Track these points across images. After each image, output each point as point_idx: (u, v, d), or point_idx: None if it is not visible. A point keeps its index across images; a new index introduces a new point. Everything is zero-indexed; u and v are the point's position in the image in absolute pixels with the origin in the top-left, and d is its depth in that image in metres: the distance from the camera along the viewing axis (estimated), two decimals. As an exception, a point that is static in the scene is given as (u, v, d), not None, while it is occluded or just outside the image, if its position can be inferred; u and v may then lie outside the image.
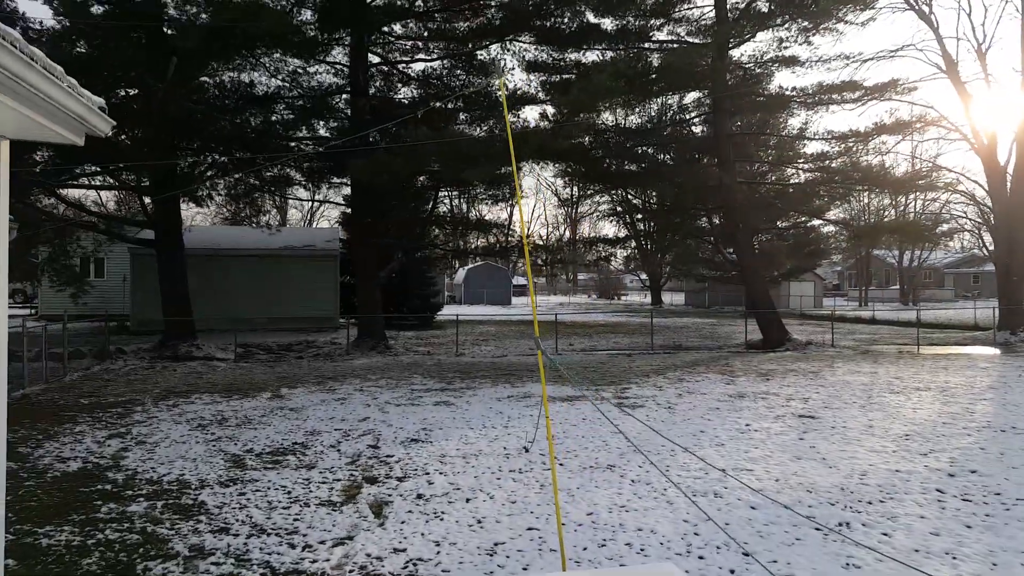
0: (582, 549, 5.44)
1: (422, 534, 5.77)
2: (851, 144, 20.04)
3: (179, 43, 17.25)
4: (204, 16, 18.05)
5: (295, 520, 6.15)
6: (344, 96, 22.86)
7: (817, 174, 21.66)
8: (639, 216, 36.34)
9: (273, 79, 21.78)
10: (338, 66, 22.64)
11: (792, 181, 22.62)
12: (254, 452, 8.64)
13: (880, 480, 7.25)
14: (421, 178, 22.06)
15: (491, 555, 5.34)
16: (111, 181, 22.23)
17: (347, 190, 25.84)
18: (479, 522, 6.05)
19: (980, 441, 9.00)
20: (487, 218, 27.26)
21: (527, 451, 8.59)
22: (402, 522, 6.08)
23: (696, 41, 20.69)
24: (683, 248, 34.21)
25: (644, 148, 22.32)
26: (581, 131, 18.20)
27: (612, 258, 28.18)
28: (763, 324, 22.45)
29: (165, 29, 18.49)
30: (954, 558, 5.19)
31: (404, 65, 23.54)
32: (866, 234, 25.22)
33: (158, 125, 17.30)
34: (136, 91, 19.35)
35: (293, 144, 22.40)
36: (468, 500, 6.66)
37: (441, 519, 6.13)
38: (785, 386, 13.76)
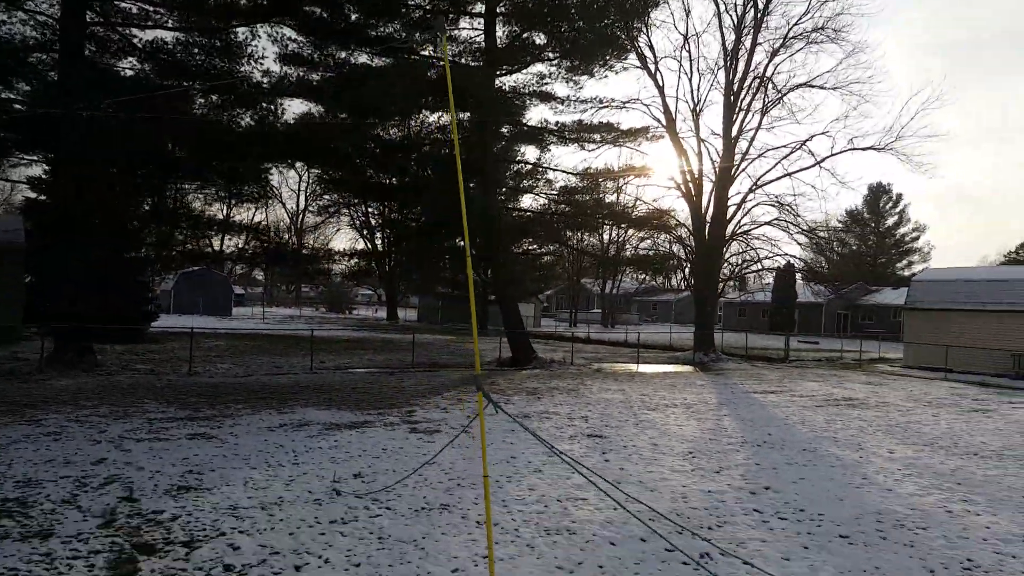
0: (470, 619, 4.56)
1: (259, 624, 4.39)
2: (601, 181, 21.78)
3: None
4: None
5: (53, 624, 4.31)
6: (46, 55, 18.57)
7: (567, 207, 23.08)
8: (386, 231, 35.48)
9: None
10: (42, 17, 18.33)
11: (546, 210, 23.82)
12: (-55, 520, 6.12)
13: (702, 502, 7.46)
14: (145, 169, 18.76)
15: (368, 644, 4.20)
16: None
17: (37, 170, 21.11)
18: (328, 597, 4.82)
19: (751, 457, 9.89)
20: (232, 219, 24.16)
21: (339, 494, 7.33)
22: (222, 609, 4.59)
23: (467, 62, 20.75)
24: (432, 267, 34.14)
25: (410, 163, 21.71)
26: (355, 138, 16.96)
27: (368, 273, 26.89)
28: (514, 343, 23.11)
29: None
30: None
31: (128, 31, 19.91)
32: (612, 263, 27.52)
33: None
34: None
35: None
36: (298, 569, 5.33)
37: (276, 598, 4.77)
38: (559, 404, 14.05)
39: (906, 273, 76.33)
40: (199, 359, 20.24)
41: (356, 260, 23.14)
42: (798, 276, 54.34)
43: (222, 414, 11.83)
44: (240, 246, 22.22)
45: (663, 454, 9.82)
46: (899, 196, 78.91)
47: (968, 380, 22.54)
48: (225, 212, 37.28)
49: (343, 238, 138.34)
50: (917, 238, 79.63)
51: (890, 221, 79.54)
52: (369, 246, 53.20)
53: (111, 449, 8.97)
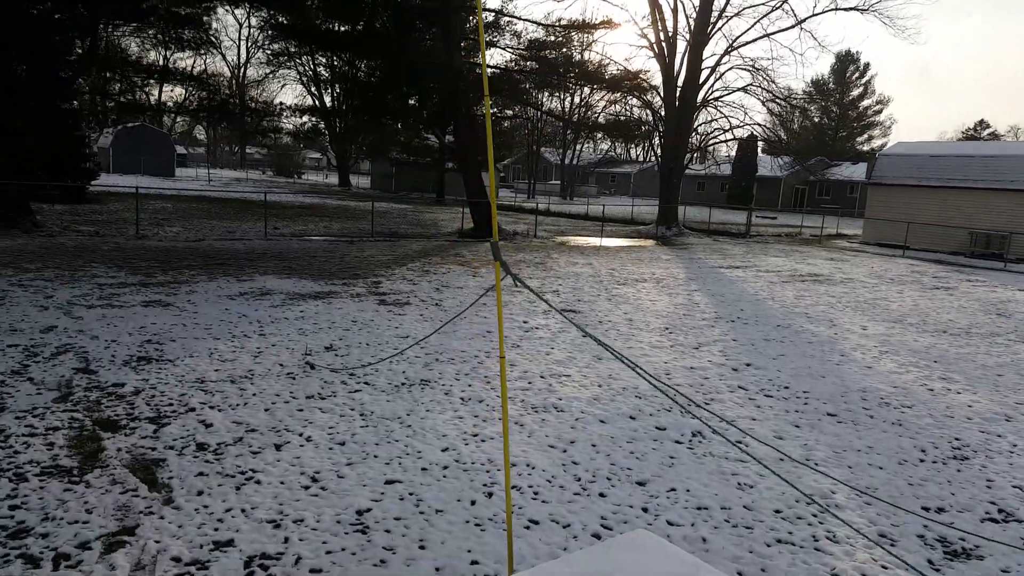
0: (469, 503, 4.34)
1: (242, 511, 4.07)
2: (574, 33, 20.31)
3: None
4: None
5: (10, 509, 3.91)
6: None
7: (535, 64, 21.69)
8: (338, 87, 33.30)
9: None
10: None
11: (512, 68, 22.33)
12: None
13: (686, 379, 7.35)
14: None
15: (365, 533, 3.94)
16: None
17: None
18: (315, 481, 4.51)
19: (727, 333, 9.83)
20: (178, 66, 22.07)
21: (312, 367, 6.95)
22: (200, 493, 4.24)
23: None
24: (384, 129, 32.48)
25: (364, 8, 19.73)
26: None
27: (318, 133, 25.43)
28: (476, 214, 22.47)
29: None
30: (816, 464, 5.30)
31: None
32: (583, 128, 26.43)
33: None
34: None
35: None
36: (279, 447, 4.99)
37: (257, 483, 4.44)
38: (530, 278, 13.76)
39: (865, 148, 76.81)
40: (146, 222, 19.14)
41: (307, 117, 21.56)
42: (760, 149, 54.19)
43: (176, 280, 11.17)
44: (182, 98, 20.40)
45: (640, 330, 9.68)
46: (866, 66, 77.61)
47: (925, 258, 23.07)
48: (162, 61, 34.28)
49: (289, 94, 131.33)
50: (880, 111, 79.32)
51: (855, 92, 78.76)
52: (318, 104, 50.26)
53: (60, 316, 8.34)
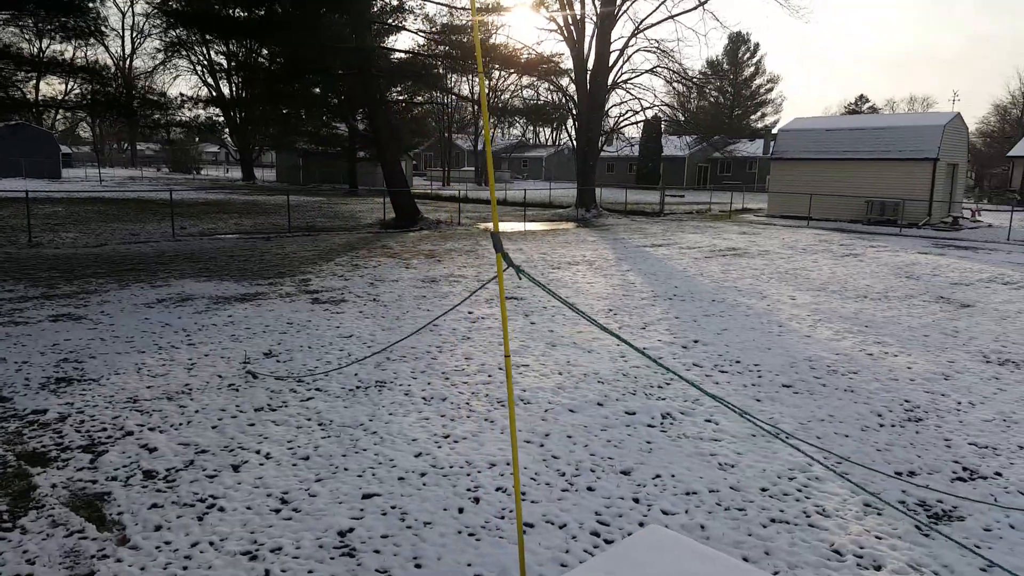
0: (457, 511, 4.11)
1: (211, 544, 3.69)
2: (487, 17, 19.99)
3: None
4: None
5: (-64, 572, 3.39)
6: None
7: (450, 48, 21.24)
8: (237, 76, 31.67)
9: None
10: None
11: (425, 52, 21.75)
12: None
13: (641, 360, 7.33)
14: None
15: (353, 556, 3.64)
16: None
17: None
18: (285, 502, 4.16)
19: (668, 311, 9.93)
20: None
21: (255, 376, 6.49)
22: (158, 528, 3.82)
23: None
24: (289, 119, 31.17)
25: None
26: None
27: (215, 126, 24.19)
28: (398, 204, 21.94)
29: None
30: (787, 435, 5.36)
31: None
32: (504, 114, 26.13)
33: None
34: None
35: None
36: (237, 468, 4.59)
37: (221, 510, 4.05)
38: (463, 267, 13.51)
39: (759, 125, 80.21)
40: (38, 228, 17.60)
41: (206, 107, 20.37)
42: (663, 130, 55.59)
43: (84, 290, 10.27)
44: (62, 94, 18.82)
45: (585, 312, 9.62)
46: (756, 46, 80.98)
47: (828, 227, 24.27)
48: (38, 52, 31.51)
49: (183, 85, 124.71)
50: (771, 89, 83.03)
51: (747, 72, 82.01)
52: (215, 95, 47.74)
53: (-47, 339, 7.47)
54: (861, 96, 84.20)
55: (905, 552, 3.74)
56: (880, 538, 3.87)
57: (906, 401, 6.16)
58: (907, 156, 25.49)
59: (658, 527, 3.33)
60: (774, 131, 62.57)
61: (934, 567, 3.61)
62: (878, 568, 3.59)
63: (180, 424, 5.30)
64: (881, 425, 5.59)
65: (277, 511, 4.04)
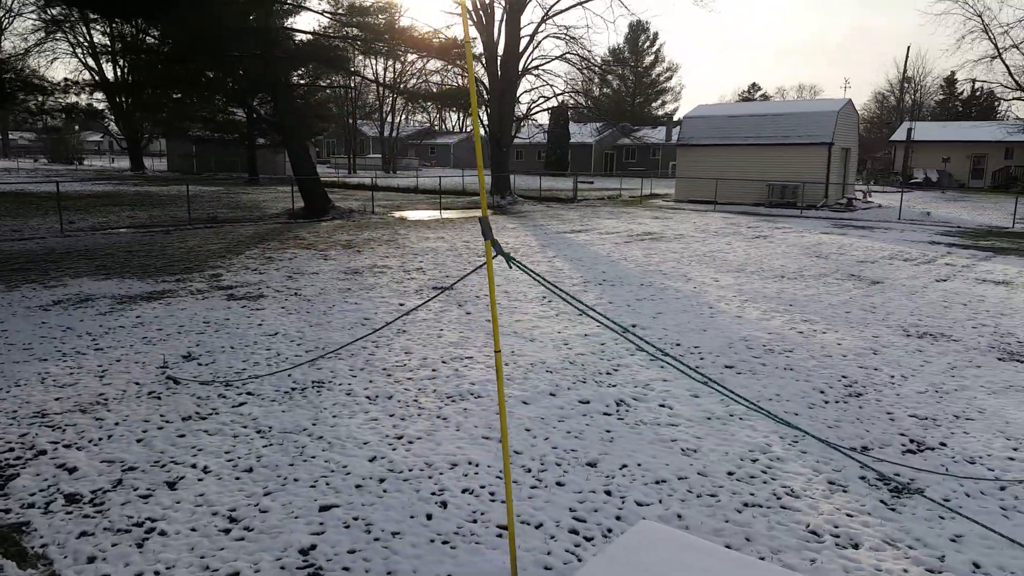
0: (425, 518, 3.85)
1: (157, 574, 3.28)
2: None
3: None
4: None
5: None
6: None
7: (357, 30, 20.45)
8: (122, 58, 29.46)
9: None
10: None
11: (331, 34, 20.82)
12: None
13: (586, 347, 7.25)
14: None
15: None
16: None
17: None
18: (234, 521, 3.78)
19: (601, 296, 9.92)
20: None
21: (176, 382, 5.95)
22: (91, 560, 3.38)
23: None
24: (182, 103, 29.23)
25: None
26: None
27: (98, 112, 22.47)
28: (307, 192, 21.05)
29: None
30: (740, 418, 5.40)
31: None
32: (417, 98, 25.44)
33: None
34: None
35: None
36: (173, 486, 4.15)
37: (162, 534, 3.62)
38: (385, 257, 13.06)
39: (660, 113, 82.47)
40: None
41: (91, 92, 18.80)
42: (570, 117, 56.17)
43: (-37, 294, 9.21)
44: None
45: (519, 301, 9.48)
46: (656, 35, 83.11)
47: (733, 211, 25.19)
48: None
49: (60, 70, 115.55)
50: (670, 78, 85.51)
51: (647, 60, 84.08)
52: (98, 79, 44.31)
53: None
54: (754, 84, 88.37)
55: (878, 528, 3.79)
56: (851, 516, 3.92)
57: (844, 377, 6.36)
58: (804, 141, 26.79)
59: (650, 523, 3.22)
60: (675, 118, 64.64)
61: (908, 541, 3.68)
62: (856, 547, 3.62)
63: (100, 439, 4.76)
64: (826, 402, 5.74)
65: (227, 531, 3.66)
